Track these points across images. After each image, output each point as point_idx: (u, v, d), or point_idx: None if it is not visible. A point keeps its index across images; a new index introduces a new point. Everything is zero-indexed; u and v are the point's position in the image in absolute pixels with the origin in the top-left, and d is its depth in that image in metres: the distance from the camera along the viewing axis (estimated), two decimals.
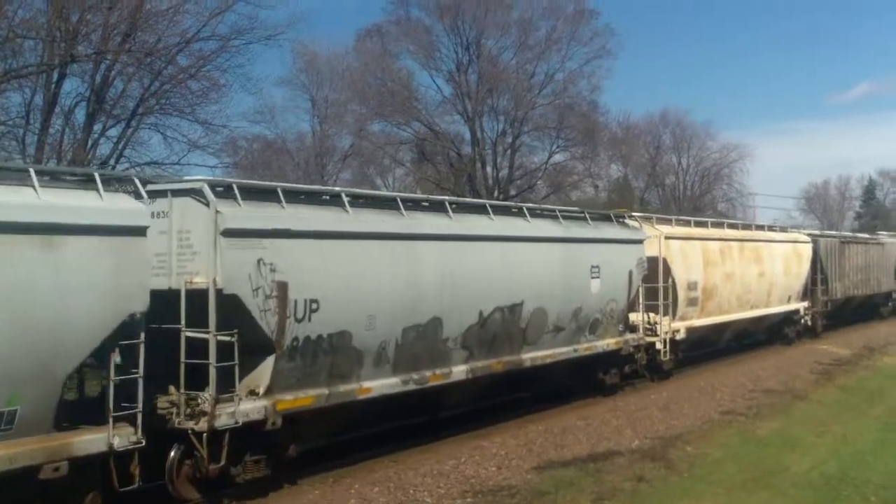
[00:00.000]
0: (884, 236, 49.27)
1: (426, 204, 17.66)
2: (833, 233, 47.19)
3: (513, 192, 54.42)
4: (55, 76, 30.08)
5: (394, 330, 15.48)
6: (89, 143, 31.73)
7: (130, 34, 31.03)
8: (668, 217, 29.20)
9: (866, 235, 48.47)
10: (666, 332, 25.04)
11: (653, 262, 24.35)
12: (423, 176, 57.81)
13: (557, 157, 57.94)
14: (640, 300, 24.13)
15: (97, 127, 32.26)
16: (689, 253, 26.99)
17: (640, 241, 23.53)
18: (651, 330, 24.69)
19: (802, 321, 36.04)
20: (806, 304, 36.01)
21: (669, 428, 19.38)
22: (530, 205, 21.99)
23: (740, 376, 27.15)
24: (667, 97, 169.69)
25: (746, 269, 30.63)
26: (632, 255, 23.09)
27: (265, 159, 53.57)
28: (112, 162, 32.17)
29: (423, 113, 54.89)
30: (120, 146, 32.80)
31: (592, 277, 21.14)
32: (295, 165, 55.55)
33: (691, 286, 26.85)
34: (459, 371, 17.35)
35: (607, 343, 22.21)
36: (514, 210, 20.50)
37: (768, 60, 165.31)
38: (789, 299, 34.61)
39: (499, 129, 55.25)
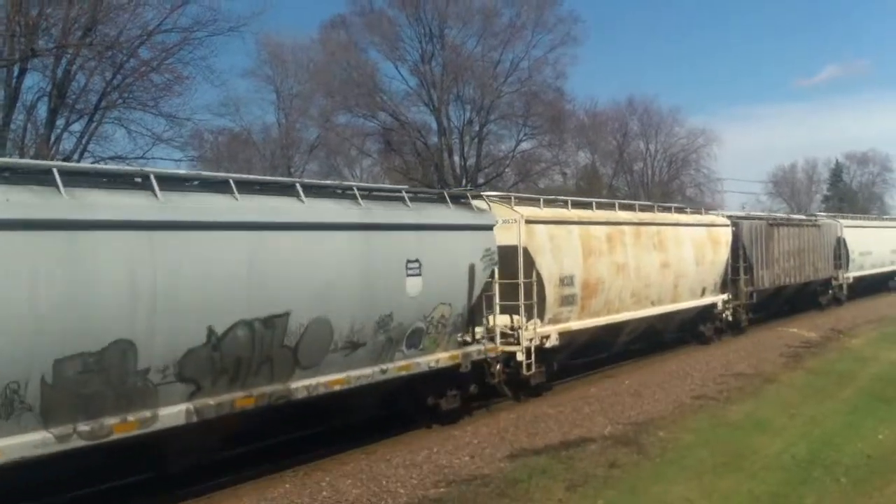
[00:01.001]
0: (822, 217, 44.81)
1: (105, 179, 12.31)
2: (761, 214, 41.92)
3: (481, 181, 54.50)
4: (15, 71, 29.76)
5: (34, 363, 10.53)
6: (52, 138, 31.41)
7: (91, 27, 30.75)
8: (536, 197, 23.56)
9: (801, 217, 44.03)
10: (530, 339, 20.18)
11: (510, 252, 19.81)
12: (391, 166, 57.74)
13: (525, 146, 58.17)
14: (497, 301, 19.59)
15: (60, 122, 32.03)
16: (563, 240, 21.62)
17: (487, 228, 18.58)
18: (513, 337, 20.19)
19: (723, 316, 31.34)
20: (726, 296, 31.17)
21: (641, 413, 19.42)
22: (311, 181, 16.56)
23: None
24: (633, 84, 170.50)
25: (644, 259, 25.12)
26: (475, 244, 18.10)
27: (231, 152, 53.33)
28: (76, 157, 31.86)
29: (389, 103, 54.89)
30: (83, 141, 32.56)
31: (410, 275, 16.25)
32: (261, 157, 55.33)
33: (565, 281, 21.48)
34: (173, 414, 12.28)
35: (436, 359, 17.25)
36: (278, 186, 15.05)
37: (735, 45, 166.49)
38: (704, 292, 29.27)
39: (465, 118, 55.37)
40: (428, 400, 17.98)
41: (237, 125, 55.24)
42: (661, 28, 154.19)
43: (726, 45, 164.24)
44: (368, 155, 60.14)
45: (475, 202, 19.16)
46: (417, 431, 17.97)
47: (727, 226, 31.28)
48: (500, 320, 19.83)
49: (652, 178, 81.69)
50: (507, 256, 19.46)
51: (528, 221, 20.43)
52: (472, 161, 55.57)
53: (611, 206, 25.17)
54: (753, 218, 35.86)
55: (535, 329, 20.39)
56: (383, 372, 16.03)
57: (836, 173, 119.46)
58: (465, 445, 16.57)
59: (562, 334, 21.33)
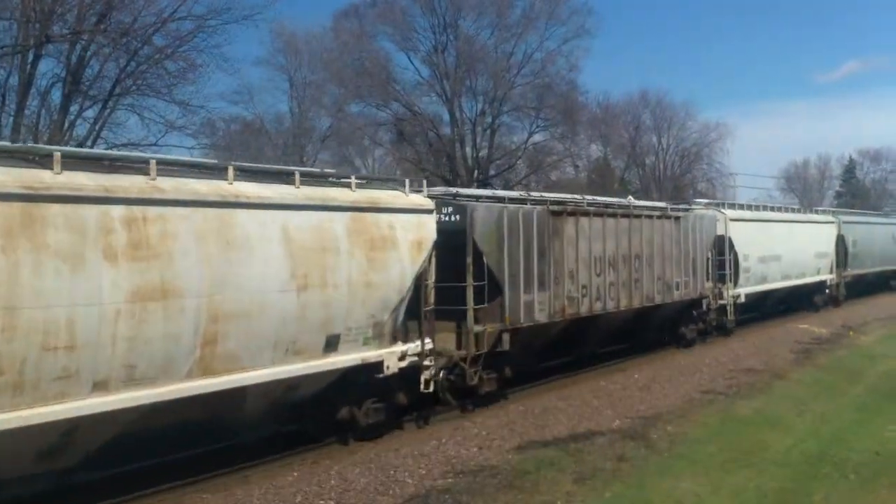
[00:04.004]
0: (697, 207, 31.41)
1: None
2: (533, 195, 22.35)
3: (493, 173, 54.44)
4: (30, 57, 29.80)
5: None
6: (66, 124, 31.49)
7: (106, 14, 30.79)
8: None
9: (636, 203, 27.34)
10: None
11: None
12: (403, 157, 57.69)
13: (537, 138, 58.01)
14: None
15: (73, 108, 32.06)
16: None
17: None
18: None
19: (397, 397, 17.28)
20: (402, 348, 16.50)
21: (650, 407, 19.42)
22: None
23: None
24: (646, 77, 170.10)
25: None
26: None
27: (243, 140, 53.35)
28: (89, 143, 31.94)
29: (402, 94, 54.82)
30: (97, 127, 32.58)
31: None
32: (273, 146, 55.33)
33: None
34: None
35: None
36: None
37: (753, 40, 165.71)
38: (367, 341, 15.54)
39: (478, 109, 55.23)
40: None
41: (250, 113, 55.34)
42: (675, 21, 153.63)
43: (743, 39, 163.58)
44: (380, 145, 60.19)
45: None
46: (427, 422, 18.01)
47: (429, 212, 17.19)
48: None
49: (664, 171, 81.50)
50: None
51: None
52: (483, 152, 55.51)
53: None
54: (506, 202, 20.19)
55: None
56: None
57: (849, 170, 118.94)
58: (474, 436, 16.60)
59: None
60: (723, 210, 32.11)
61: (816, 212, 45.45)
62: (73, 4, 30.12)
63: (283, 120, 57.65)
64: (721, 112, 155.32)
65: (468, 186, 41.01)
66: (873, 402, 21.03)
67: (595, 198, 25.90)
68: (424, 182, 18.58)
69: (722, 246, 30.49)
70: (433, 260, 16.98)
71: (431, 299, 17.10)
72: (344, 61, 54.47)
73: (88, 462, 12.22)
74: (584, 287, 21.95)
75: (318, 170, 19.31)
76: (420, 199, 17.32)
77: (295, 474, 14.15)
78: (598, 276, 22.54)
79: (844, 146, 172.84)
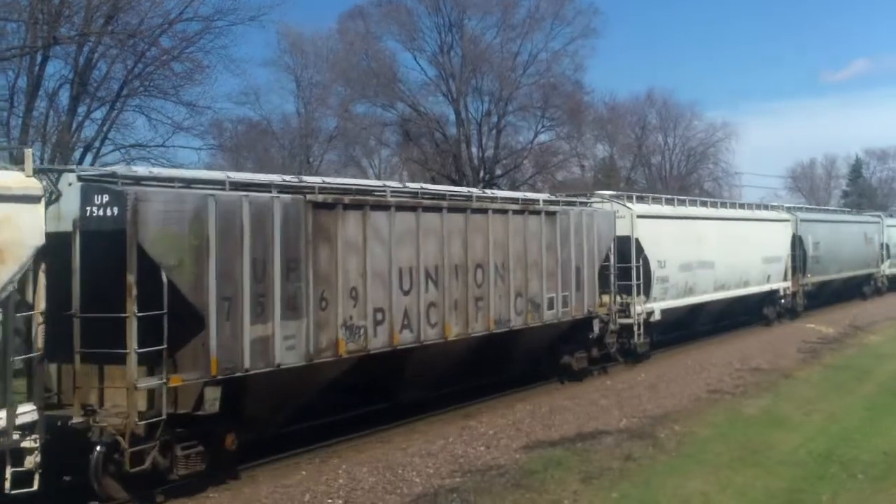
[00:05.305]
0: (597, 201, 25.51)
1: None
2: (273, 178, 15.86)
3: (499, 173, 54.42)
4: (38, 58, 29.89)
5: None
6: (74, 125, 31.58)
7: (113, 16, 30.84)
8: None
9: (502, 194, 22.86)
10: None
11: None
12: (409, 157, 57.71)
13: (543, 137, 57.83)
14: None
15: (81, 109, 32.11)
16: None
17: None
18: None
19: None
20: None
21: (657, 406, 19.42)
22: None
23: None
24: (652, 77, 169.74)
25: None
26: None
27: (250, 141, 53.44)
28: (97, 145, 32.10)
29: (408, 94, 54.75)
30: (104, 128, 32.66)
31: None
32: (280, 147, 55.42)
33: None
34: None
35: None
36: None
37: (759, 39, 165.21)
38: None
39: (483, 109, 55.08)
40: None
41: (257, 114, 55.38)
42: (681, 21, 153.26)
43: (748, 38, 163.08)
44: (386, 145, 60.18)
45: None
46: (433, 420, 18.05)
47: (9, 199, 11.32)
48: None
49: (670, 171, 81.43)
50: None
51: None
52: (489, 152, 55.40)
53: None
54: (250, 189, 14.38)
55: None
56: None
57: (856, 169, 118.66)
58: (481, 436, 16.64)
59: None
60: (628, 204, 25.72)
61: (767, 207, 38.76)
62: (80, 6, 30.18)
63: (290, 120, 57.66)
64: (727, 111, 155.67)
65: (474, 186, 40.90)
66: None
67: (423, 186, 19.74)
68: (30, 150, 12.67)
69: (628, 250, 24.58)
70: (40, 279, 11.54)
71: (40, 341, 11.49)
72: (350, 62, 54.45)
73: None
74: (378, 311, 15.88)
75: None
76: (13, 179, 11.40)
77: (303, 473, 14.21)
78: (407, 294, 16.60)
79: (851, 145, 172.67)
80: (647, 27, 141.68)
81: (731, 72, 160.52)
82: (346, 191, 16.01)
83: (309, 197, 14.69)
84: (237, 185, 14.00)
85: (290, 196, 14.45)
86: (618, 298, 24.02)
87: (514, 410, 18.88)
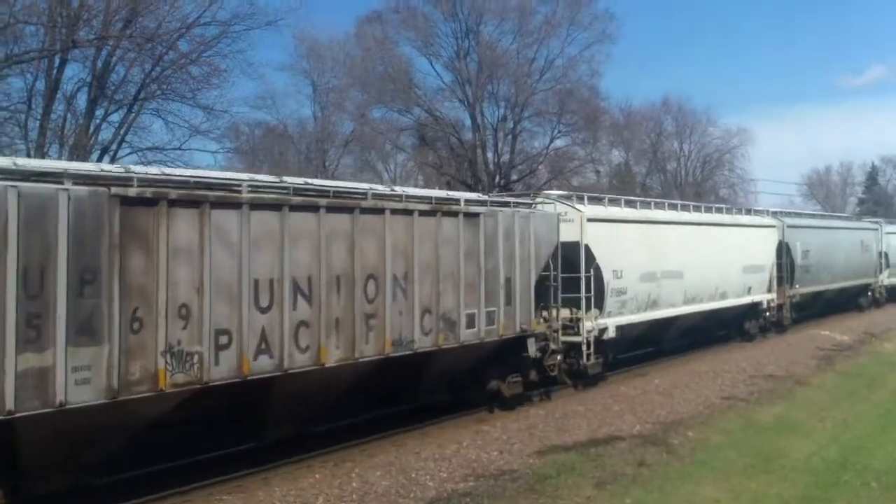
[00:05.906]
0: (542, 201, 22.27)
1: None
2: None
3: (514, 178, 54.45)
4: (57, 61, 30.18)
5: None
6: (91, 128, 31.83)
7: (131, 19, 31.14)
8: None
9: (405, 192, 17.30)
10: None
11: None
12: (424, 162, 57.83)
13: (558, 143, 57.88)
14: None
15: (99, 112, 32.45)
16: None
17: None
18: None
19: None
20: None
21: (671, 413, 19.40)
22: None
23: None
24: (668, 83, 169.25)
25: None
26: None
27: (266, 145, 53.68)
28: (114, 147, 32.31)
29: (424, 99, 54.91)
30: (122, 131, 32.93)
31: None
32: (296, 151, 55.64)
33: None
34: None
35: None
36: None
37: (776, 45, 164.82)
38: None
39: (499, 114, 55.22)
40: None
41: (273, 118, 55.73)
42: (697, 27, 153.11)
43: (764, 44, 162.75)
44: (402, 150, 60.30)
45: None
46: (446, 425, 18.08)
47: None
48: None
49: (685, 177, 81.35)
50: None
51: None
52: (505, 157, 55.50)
53: None
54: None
55: None
56: None
57: (872, 176, 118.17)
58: (494, 440, 16.65)
59: None
60: (577, 206, 22.42)
61: (748, 212, 34.99)
62: (99, 10, 30.47)
63: (306, 125, 57.99)
64: (743, 117, 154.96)
65: (490, 192, 40.96)
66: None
67: (301, 180, 15.36)
68: None
69: (576, 258, 21.68)
70: None
71: None
72: (366, 66, 54.68)
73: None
74: (221, 333, 12.80)
75: None
76: None
77: (316, 476, 14.25)
78: (266, 311, 13.47)
79: (868, 152, 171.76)
80: (662, 33, 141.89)
81: (747, 78, 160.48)
82: (179, 183, 12.70)
83: (115, 190, 11.51)
84: (5, 173, 10.82)
85: (86, 189, 11.27)
86: (565, 313, 21.14)
87: (527, 415, 18.89)
